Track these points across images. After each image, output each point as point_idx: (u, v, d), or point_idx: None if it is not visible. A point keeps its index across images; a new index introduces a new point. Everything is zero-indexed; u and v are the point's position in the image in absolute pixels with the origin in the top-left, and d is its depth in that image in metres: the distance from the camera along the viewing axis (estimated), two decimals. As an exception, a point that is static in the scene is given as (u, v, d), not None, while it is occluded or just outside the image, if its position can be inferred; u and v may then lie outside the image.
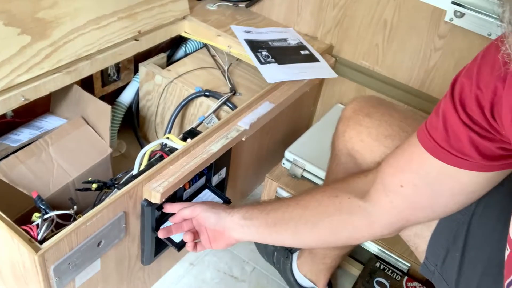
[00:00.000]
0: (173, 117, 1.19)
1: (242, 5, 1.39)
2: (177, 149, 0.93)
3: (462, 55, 1.12)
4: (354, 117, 0.79)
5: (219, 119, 1.13)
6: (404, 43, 1.18)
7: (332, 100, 1.38)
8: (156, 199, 0.85)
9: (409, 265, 1.08)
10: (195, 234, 0.87)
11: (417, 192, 0.65)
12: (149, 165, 0.92)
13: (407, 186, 0.65)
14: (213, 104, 1.15)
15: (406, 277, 1.08)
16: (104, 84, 1.27)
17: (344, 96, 1.35)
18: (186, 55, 1.36)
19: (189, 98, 1.17)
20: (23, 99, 0.95)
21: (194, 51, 1.37)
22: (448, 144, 0.59)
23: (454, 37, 1.11)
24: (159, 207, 0.91)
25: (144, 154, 0.95)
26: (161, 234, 0.88)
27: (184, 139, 1.00)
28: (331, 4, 1.25)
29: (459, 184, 0.62)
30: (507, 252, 0.53)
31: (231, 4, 1.40)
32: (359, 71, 1.28)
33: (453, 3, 1.04)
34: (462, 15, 1.04)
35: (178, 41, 1.37)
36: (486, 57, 0.56)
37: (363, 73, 1.28)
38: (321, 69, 1.21)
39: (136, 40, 1.15)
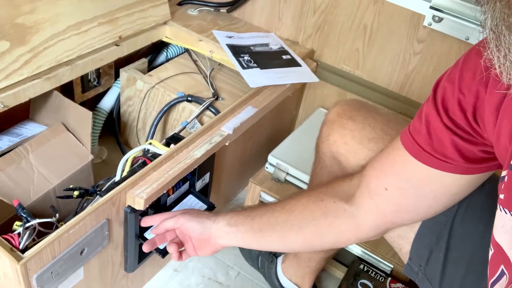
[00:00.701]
0: (155, 123, 1.18)
1: (223, 10, 1.40)
2: (160, 154, 0.93)
3: (440, 59, 1.14)
4: (338, 120, 0.80)
5: (202, 124, 1.13)
6: (384, 48, 1.20)
7: (314, 104, 1.39)
8: (139, 206, 0.84)
9: (392, 266, 1.10)
10: (179, 243, 0.86)
11: (402, 194, 0.66)
12: (132, 171, 0.91)
13: (391, 189, 0.66)
14: (195, 109, 1.14)
15: (389, 278, 1.09)
16: (84, 90, 1.26)
17: (326, 100, 1.37)
18: (168, 60, 1.36)
19: (172, 103, 1.17)
20: (2, 106, 0.93)
21: (175, 56, 1.37)
22: (431, 147, 0.61)
23: (432, 41, 1.13)
24: (143, 213, 0.90)
25: (127, 160, 0.94)
26: (146, 248, 0.87)
27: (167, 144, 0.99)
28: (311, 10, 1.27)
29: (442, 187, 0.63)
30: (490, 252, 0.54)
31: (212, 9, 1.40)
32: (340, 75, 1.29)
33: (431, 8, 1.06)
34: (441, 19, 1.06)
35: (159, 46, 1.36)
36: (467, 62, 0.57)
37: (344, 77, 1.29)
38: (303, 74, 1.21)
39: (116, 45, 1.14)
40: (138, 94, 1.24)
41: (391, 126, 0.77)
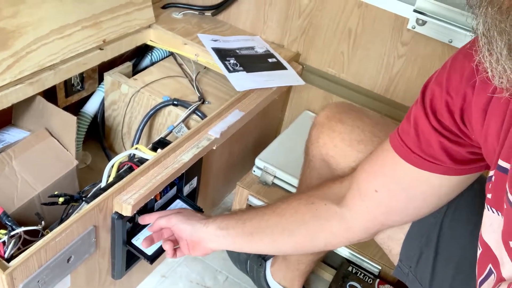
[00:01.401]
0: (141, 127, 1.17)
1: (208, 13, 1.39)
2: (146, 159, 0.92)
3: (424, 62, 1.16)
4: (327, 123, 0.80)
5: (188, 128, 1.12)
6: (368, 51, 1.21)
7: (300, 107, 1.39)
8: (127, 212, 0.83)
9: (380, 267, 1.10)
10: (174, 241, 0.86)
11: (392, 196, 0.66)
12: (118, 177, 0.89)
13: (381, 190, 0.67)
14: (182, 113, 1.14)
15: (378, 280, 1.10)
16: (68, 94, 1.24)
17: (311, 102, 1.37)
18: (152, 64, 1.35)
19: (157, 107, 1.16)
20: (-16, 111, 0.91)
21: (160, 60, 1.36)
22: (420, 149, 0.61)
23: (416, 44, 1.14)
24: (130, 219, 0.89)
25: (113, 165, 0.93)
26: (145, 244, 0.87)
27: (153, 149, 0.98)
28: (296, 13, 1.27)
29: (431, 188, 0.64)
30: (479, 251, 0.55)
31: (197, 13, 1.39)
32: (325, 78, 1.30)
33: (415, 11, 1.07)
34: (424, 22, 1.08)
35: (144, 49, 1.35)
36: (454, 64, 0.58)
37: (329, 80, 1.30)
38: (289, 77, 1.22)
39: (100, 49, 1.13)
40: (123, 98, 1.22)
41: (380, 128, 0.78)
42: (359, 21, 1.19)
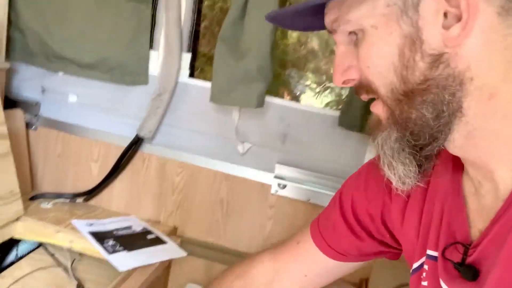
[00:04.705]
0: (9, 331, 1.04)
1: (79, 200, 1.40)
2: None
3: (290, 220, 1.30)
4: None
5: (69, 321, 1.03)
6: (241, 216, 1.32)
7: (183, 280, 1.39)
8: None
9: None
10: None
11: (317, 281, 0.76)
12: None
13: (307, 275, 0.76)
14: (59, 305, 1.05)
15: None
16: None
17: (194, 274, 1.38)
18: (18, 258, 1.25)
19: (30, 304, 1.06)
20: None
21: (28, 253, 1.27)
22: (335, 244, 0.73)
23: (281, 206, 1.29)
24: None
25: None
26: None
27: None
28: (170, 189, 1.36)
29: (341, 271, 0.76)
30: None
31: (67, 201, 1.38)
32: (205, 247, 1.35)
33: (275, 177, 1.24)
34: (284, 186, 1.24)
35: (8, 244, 1.26)
36: (370, 173, 0.70)
37: (209, 248, 1.35)
38: (170, 250, 1.24)
39: (-38, 248, 1.04)
40: (-14, 301, 1.09)
41: None
42: (228, 191, 1.32)
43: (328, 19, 0.55)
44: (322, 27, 0.57)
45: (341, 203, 0.73)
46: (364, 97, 0.56)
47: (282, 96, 2.18)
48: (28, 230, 1.23)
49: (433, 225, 0.59)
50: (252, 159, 1.29)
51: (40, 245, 1.29)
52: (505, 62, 0.47)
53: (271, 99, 1.26)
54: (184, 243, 1.35)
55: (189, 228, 1.36)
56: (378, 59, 0.51)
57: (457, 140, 0.51)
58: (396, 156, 0.53)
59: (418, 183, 0.54)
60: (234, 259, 1.33)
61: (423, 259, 0.60)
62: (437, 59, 0.48)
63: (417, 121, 0.50)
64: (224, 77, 1.18)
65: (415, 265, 0.62)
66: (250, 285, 0.81)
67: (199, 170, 1.32)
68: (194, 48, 1.36)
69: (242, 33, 1.15)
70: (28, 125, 1.40)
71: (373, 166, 0.71)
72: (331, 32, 0.56)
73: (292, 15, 0.57)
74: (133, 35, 1.28)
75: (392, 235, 0.70)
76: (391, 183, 0.56)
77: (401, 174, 0.53)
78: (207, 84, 1.27)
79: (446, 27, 0.47)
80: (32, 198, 1.36)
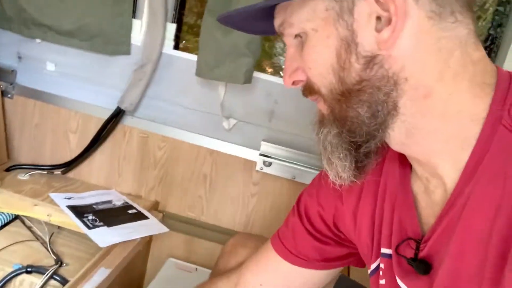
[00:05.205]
0: (-16, 306, 1.01)
1: (57, 172, 1.36)
2: None
3: (274, 198, 1.29)
4: (233, 250, 0.89)
5: (47, 296, 1.01)
6: (224, 193, 1.31)
7: (163, 255, 1.38)
8: None
9: None
10: None
11: None
12: None
13: (265, 284, 0.76)
14: (37, 280, 1.03)
15: None
16: None
17: (174, 249, 1.37)
18: (-6, 230, 1.22)
19: (7, 278, 1.03)
20: None
21: (4, 225, 1.24)
22: (295, 250, 0.73)
23: (265, 183, 1.28)
24: None
25: None
26: None
27: (8, 328, 0.85)
28: (152, 164, 1.33)
29: (306, 280, 0.75)
30: None
31: (45, 172, 1.34)
32: (186, 223, 1.34)
33: (261, 155, 1.23)
34: (270, 164, 1.23)
35: (-17, 216, 1.23)
36: (322, 181, 0.70)
37: (191, 224, 1.33)
38: (151, 226, 1.22)
39: None
40: (-40, 275, 1.06)
41: None
42: (212, 167, 1.30)
43: (276, 23, 0.57)
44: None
45: (298, 209, 0.75)
46: (310, 98, 0.58)
47: (264, 70, 2.14)
48: (4, 203, 1.19)
49: (385, 223, 0.61)
50: (238, 135, 1.26)
51: (16, 217, 1.26)
52: (440, 63, 0.49)
53: (258, 75, 1.23)
54: (165, 218, 1.33)
55: (171, 203, 1.34)
56: (318, 61, 0.53)
57: (397, 138, 0.53)
58: (334, 151, 0.55)
59: (354, 179, 0.56)
60: (216, 235, 1.32)
61: (379, 259, 0.62)
62: (370, 61, 0.50)
63: (354, 119, 0.52)
64: (211, 51, 1.14)
65: (373, 266, 0.64)
66: None
67: (182, 144, 1.29)
68: (179, 19, 1.30)
69: (230, 5, 1.11)
70: (3, 93, 1.34)
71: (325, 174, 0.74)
72: (280, 35, 0.58)
73: (244, 19, 0.58)
74: (115, 2, 1.23)
75: (348, 239, 0.71)
76: (342, 186, 0.58)
77: (338, 169, 0.55)
78: (193, 57, 1.23)
79: (378, 30, 0.49)
80: (8, 169, 1.32)
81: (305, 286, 0.76)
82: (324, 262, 0.72)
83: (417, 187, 0.58)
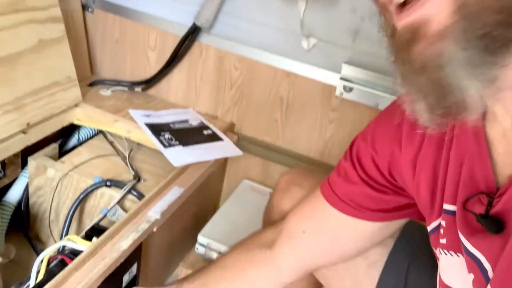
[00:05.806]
0: (70, 213, 1.09)
1: (138, 89, 1.37)
2: (80, 251, 0.84)
3: (354, 125, 1.20)
4: (287, 188, 0.84)
5: (124, 210, 1.05)
6: (301, 118, 1.24)
7: (238, 176, 1.38)
8: (62, 315, 0.74)
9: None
10: None
11: (318, 238, 0.71)
12: (49, 273, 0.81)
13: (309, 232, 0.71)
14: (116, 194, 1.07)
15: None
16: (-13, 183, 1.14)
17: (249, 171, 1.36)
18: (80, 143, 1.28)
19: (88, 190, 1.09)
20: None
21: (89, 139, 1.30)
22: (347, 197, 0.66)
23: (345, 110, 1.19)
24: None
25: (42, 260, 0.84)
26: None
27: (87, 237, 0.90)
28: (228, 85, 1.29)
29: (356, 232, 0.68)
30: None
31: (126, 89, 1.36)
32: (261, 146, 1.31)
33: (341, 79, 1.12)
34: (351, 89, 1.13)
35: (70, 129, 1.29)
36: (379, 123, 0.64)
37: (265, 148, 1.30)
38: (226, 148, 1.21)
39: (24, 133, 1.06)
40: (49, 183, 1.14)
41: None
42: (289, 90, 1.23)
43: None
44: None
45: (351, 154, 0.68)
46: None
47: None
48: (87, 117, 1.24)
49: (450, 176, 0.53)
50: (317, 56, 1.16)
51: (100, 131, 1.31)
52: None
53: (343, -12, 1.09)
54: (240, 140, 1.31)
55: (246, 125, 1.31)
56: None
57: None
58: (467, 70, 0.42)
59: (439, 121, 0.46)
60: (291, 160, 1.28)
61: (441, 216, 0.55)
62: None
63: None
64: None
65: (434, 224, 0.57)
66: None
67: (259, 65, 1.23)
68: None
69: None
70: (84, 8, 1.34)
71: (384, 115, 0.66)
72: None
73: None
74: None
75: (403, 189, 0.63)
76: (402, 131, 0.52)
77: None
78: (272, -31, 1.12)
79: None
80: (91, 84, 1.35)
81: (354, 240, 0.70)
82: (379, 212, 0.65)
83: (493, 133, 0.49)
